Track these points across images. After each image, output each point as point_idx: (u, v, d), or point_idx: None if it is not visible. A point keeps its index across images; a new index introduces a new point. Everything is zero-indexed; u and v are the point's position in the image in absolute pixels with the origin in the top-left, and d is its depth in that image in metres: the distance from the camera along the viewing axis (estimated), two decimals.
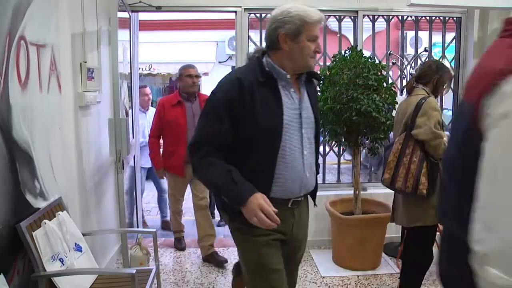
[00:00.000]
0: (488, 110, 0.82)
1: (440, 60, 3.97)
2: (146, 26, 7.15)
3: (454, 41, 4.04)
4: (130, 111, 3.81)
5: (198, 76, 3.47)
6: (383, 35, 3.93)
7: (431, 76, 2.51)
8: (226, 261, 3.44)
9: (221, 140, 1.58)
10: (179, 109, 3.43)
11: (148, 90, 4.65)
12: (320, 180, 4.03)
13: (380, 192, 3.72)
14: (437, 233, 2.57)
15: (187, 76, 3.43)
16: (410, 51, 6.08)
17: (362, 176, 4.57)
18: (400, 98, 3.44)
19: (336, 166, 4.12)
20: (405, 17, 3.94)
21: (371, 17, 3.81)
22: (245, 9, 3.67)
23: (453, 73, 3.61)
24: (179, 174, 3.51)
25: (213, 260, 3.47)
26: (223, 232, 4.33)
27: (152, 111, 4.39)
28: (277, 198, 1.62)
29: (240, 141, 1.60)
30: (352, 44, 3.61)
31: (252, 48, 3.90)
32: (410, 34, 4.92)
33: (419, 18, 3.93)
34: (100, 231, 3.00)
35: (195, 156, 1.60)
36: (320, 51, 1.65)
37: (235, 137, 1.59)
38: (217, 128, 1.58)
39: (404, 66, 3.85)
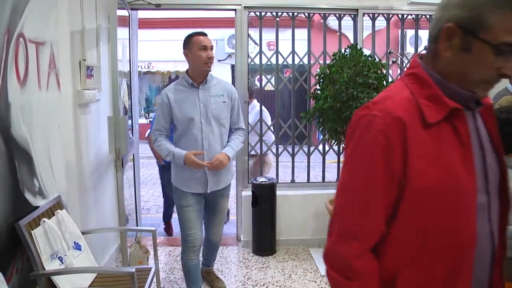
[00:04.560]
0: None
1: None
2: (145, 24, 7.14)
3: None
4: (129, 109, 3.80)
5: None
6: (383, 33, 3.93)
7: None
8: None
9: None
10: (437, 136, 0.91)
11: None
12: (320, 179, 4.04)
13: None
14: None
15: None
16: (410, 49, 6.10)
17: None
18: None
19: (336, 164, 4.12)
20: (405, 16, 3.94)
21: (371, 15, 3.81)
22: (245, 7, 3.66)
23: None
24: None
25: None
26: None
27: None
28: None
29: None
30: (352, 42, 3.61)
31: (251, 47, 3.90)
32: (410, 32, 4.93)
33: (419, 16, 3.93)
34: (99, 229, 2.99)
35: None
36: None
37: None
38: None
39: (404, 65, 3.85)
